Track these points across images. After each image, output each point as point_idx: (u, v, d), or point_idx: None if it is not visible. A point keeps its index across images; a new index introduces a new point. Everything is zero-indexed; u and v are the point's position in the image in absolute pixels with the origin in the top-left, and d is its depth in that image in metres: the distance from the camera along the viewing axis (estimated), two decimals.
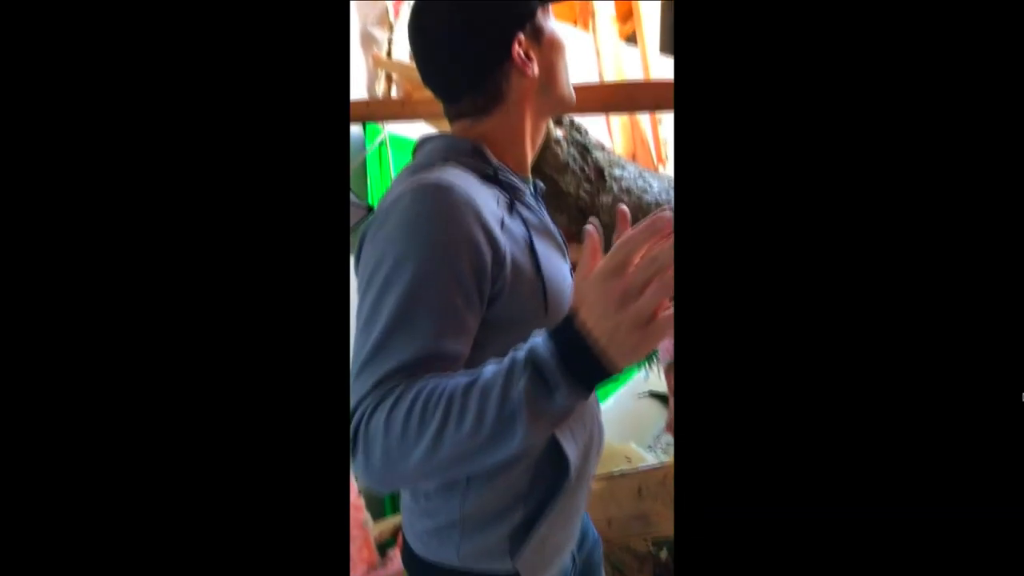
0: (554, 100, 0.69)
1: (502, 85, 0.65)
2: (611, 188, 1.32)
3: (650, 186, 1.34)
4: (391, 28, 2.20)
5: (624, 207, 0.74)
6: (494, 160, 0.64)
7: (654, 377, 2.45)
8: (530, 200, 0.67)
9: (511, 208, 0.60)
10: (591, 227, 0.49)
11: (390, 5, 2.21)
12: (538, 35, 0.66)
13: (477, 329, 0.55)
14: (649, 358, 2.02)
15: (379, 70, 2.13)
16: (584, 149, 1.33)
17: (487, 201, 0.57)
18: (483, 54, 0.64)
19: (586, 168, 1.32)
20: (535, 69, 0.65)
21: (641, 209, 1.32)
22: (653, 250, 0.43)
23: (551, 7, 0.68)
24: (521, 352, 0.47)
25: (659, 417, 2.84)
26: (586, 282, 0.46)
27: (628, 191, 1.33)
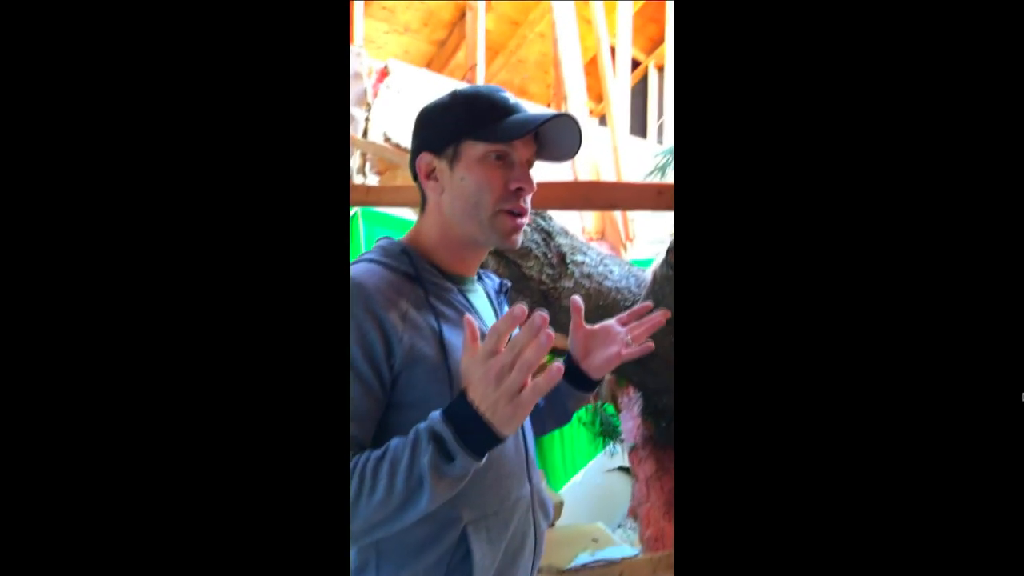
0: (461, 231, 0.69)
1: (423, 191, 0.72)
2: (572, 273, 1.35)
3: (610, 272, 1.37)
4: (368, 108, 2.29)
5: (576, 299, 0.78)
6: (418, 261, 0.69)
7: (621, 456, 2.44)
8: (456, 297, 0.70)
9: (422, 303, 0.66)
10: (466, 316, 0.56)
11: (369, 87, 2.31)
12: (453, 161, 0.68)
13: (382, 411, 0.63)
14: (615, 438, 2.01)
15: (355, 149, 2.20)
16: (547, 234, 1.37)
17: (392, 297, 0.64)
18: (412, 156, 0.72)
19: (549, 253, 1.36)
20: (441, 190, 0.69)
21: (601, 294, 1.35)
22: (517, 336, 0.51)
23: (518, 146, 0.68)
24: (424, 426, 0.56)
25: (627, 494, 2.79)
26: (471, 364, 0.54)
27: (589, 276, 1.37)
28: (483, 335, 0.54)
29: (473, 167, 0.67)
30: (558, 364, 0.50)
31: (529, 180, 0.68)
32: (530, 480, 0.73)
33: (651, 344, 0.77)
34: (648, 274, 1.30)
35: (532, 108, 0.72)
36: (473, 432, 0.53)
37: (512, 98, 0.69)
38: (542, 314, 0.50)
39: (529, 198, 0.69)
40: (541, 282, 1.32)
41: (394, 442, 0.57)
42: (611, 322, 0.78)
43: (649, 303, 0.79)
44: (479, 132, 0.66)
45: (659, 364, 1.30)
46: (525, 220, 0.70)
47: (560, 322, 1.36)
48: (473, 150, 0.67)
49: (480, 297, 0.76)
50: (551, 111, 0.71)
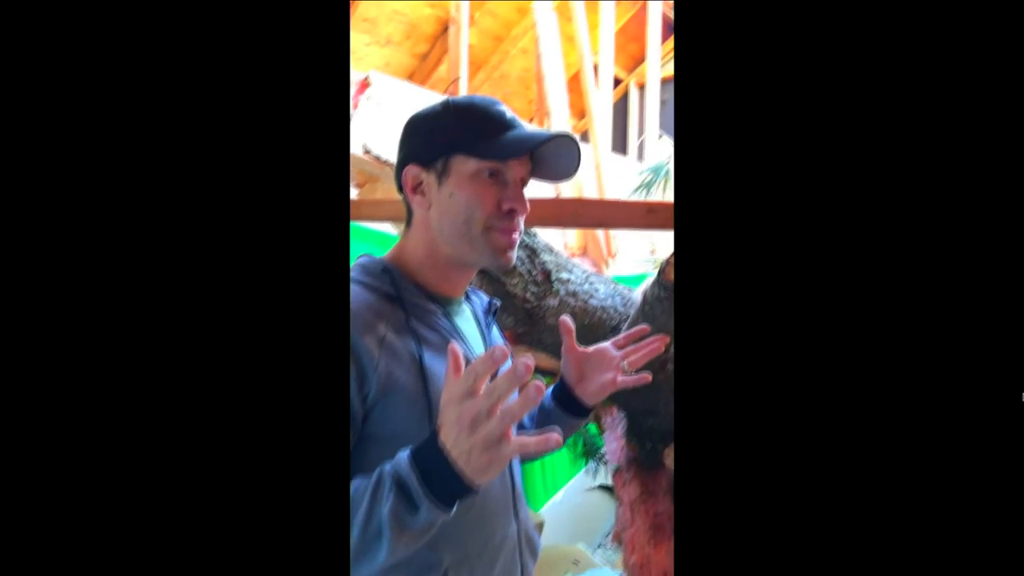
0: (450, 250, 0.65)
1: (409, 205, 0.67)
2: (558, 291, 1.32)
3: (596, 291, 1.35)
4: (348, 119, 2.25)
5: (566, 319, 0.74)
6: (400, 281, 0.64)
7: (603, 475, 2.40)
8: (440, 320, 0.65)
9: (402, 327, 0.60)
10: (451, 345, 0.50)
11: (350, 98, 2.27)
12: (443, 175, 0.64)
13: (353, 445, 0.58)
14: (598, 459, 1.98)
15: None
16: (532, 251, 1.34)
17: (370, 320, 0.59)
18: (398, 167, 0.67)
19: (533, 271, 1.33)
20: (428, 205, 0.65)
21: (587, 313, 1.33)
22: (498, 381, 0.47)
23: (513, 164, 0.64)
24: (388, 468, 0.51)
25: (609, 513, 2.75)
26: (447, 403, 0.49)
27: (575, 294, 1.34)
28: (468, 363, 0.50)
29: (464, 183, 0.63)
30: (537, 383, 0.46)
31: (523, 201, 0.65)
32: (517, 516, 0.69)
33: (648, 376, 0.74)
34: (637, 295, 1.28)
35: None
36: (442, 480, 0.48)
37: (509, 112, 0.66)
38: (527, 362, 0.45)
39: (522, 220, 0.66)
40: (526, 300, 1.28)
41: (355, 483, 0.52)
42: (606, 345, 0.75)
43: (646, 326, 0.76)
44: (473, 147, 0.62)
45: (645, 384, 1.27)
46: (517, 237, 0.66)
47: (545, 342, 1.33)
48: (465, 165, 0.63)
49: (467, 320, 0.72)
50: (550, 131, 0.68)
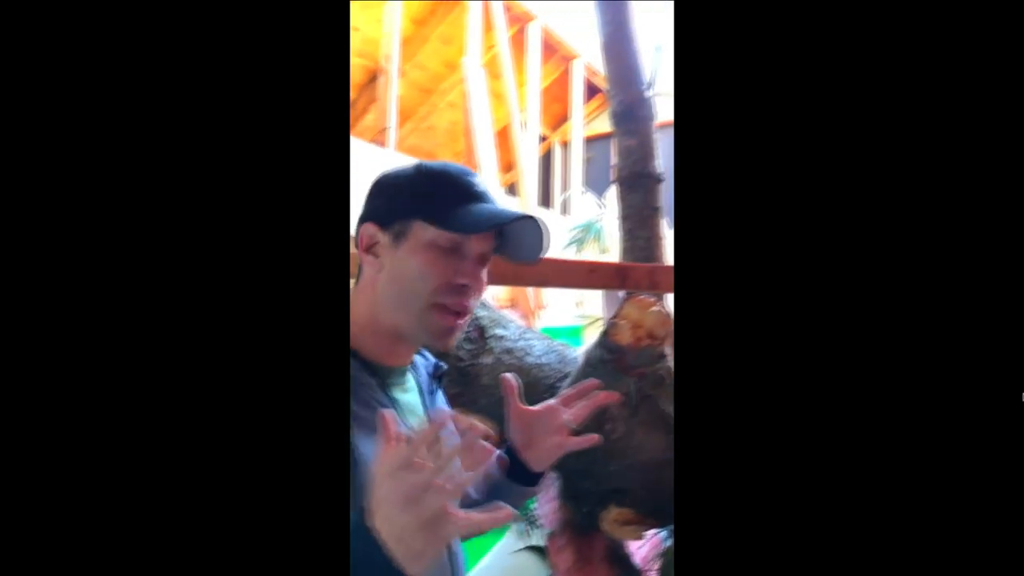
0: (389, 321, 0.61)
1: (361, 264, 0.62)
2: (493, 348, 1.28)
3: (532, 347, 1.31)
4: None
5: (509, 376, 0.69)
6: None
7: (535, 537, 2.32)
8: (376, 395, 0.60)
9: None
10: (380, 411, 0.46)
11: None
12: (399, 239, 0.60)
13: None
14: (528, 519, 1.91)
15: None
16: None
17: None
18: (357, 225, 0.63)
19: (468, 327, 1.28)
20: (379, 267, 0.60)
21: (523, 371, 1.28)
22: (438, 449, 0.43)
23: (475, 238, 0.60)
24: None
25: (538, 573, 2.65)
26: (377, 478, 0.44)
27: (510, 351, 1.30)
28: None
29: (419, 250, 0.58)
30: (485, 445, 0.40)
31: (480, 278, 0.60)
32: None
33: (597, 437, 0.69)
34: (578, 354, 1.25)
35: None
36: (371, 567, 0.42)
37: (481, 184, 0.62)
38: (477, 425, 0.41)
39: (475, 302, 0.61)
40: (459, 359, 1.23)
41: None
42: (553, 403, 0.70)
43: (596, 381, 0.72)
44: (436, 214, 0.58)
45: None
46: (463, 322, 0.61)
47: (479, 403, 1.27)
48: (424, 232, 0.58)
49: (409, 391, 0.65)
50: (520, 211, 0.64)
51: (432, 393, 0.69)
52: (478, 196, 0.60)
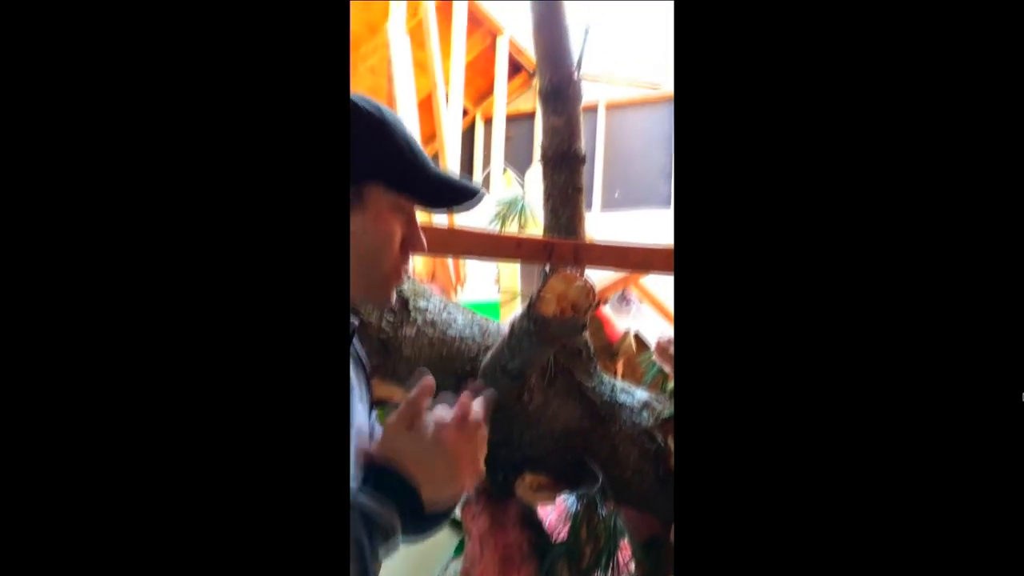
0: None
1: None
2: (415, 320, 1.28)
3: (454, 320, 1.32)
4: None
5: (430, 379, 0.69)
6: None
7: None
8: None
9: None
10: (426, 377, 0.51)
11: None
12: (354, 204, 0.57)
13: None
14: None
15: None
16: None
17: None
18: None
19: None
20: None
21: (444, 343, 1.29)
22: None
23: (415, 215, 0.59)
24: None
25: (446, 546, 2.69)
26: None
27: (432, 324, 1.30)
28: None
29: (380, 220, 0.57)
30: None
31: (422, 240, 0.60)
32: None
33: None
34: (504, 326, 1.27)
35: None
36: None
37: (413, 137, 0.61)
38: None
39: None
40: (381, 330, 1.22)
41: None
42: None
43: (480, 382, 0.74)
44: (396, 179, 0.56)
45: (500, 415, 1.27)
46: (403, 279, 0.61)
47: (400, 374, 1.27)
48: (383, 198, 0.56)
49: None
50: (475, 185, 0.63)
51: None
52: (419, 150, 0.59)
